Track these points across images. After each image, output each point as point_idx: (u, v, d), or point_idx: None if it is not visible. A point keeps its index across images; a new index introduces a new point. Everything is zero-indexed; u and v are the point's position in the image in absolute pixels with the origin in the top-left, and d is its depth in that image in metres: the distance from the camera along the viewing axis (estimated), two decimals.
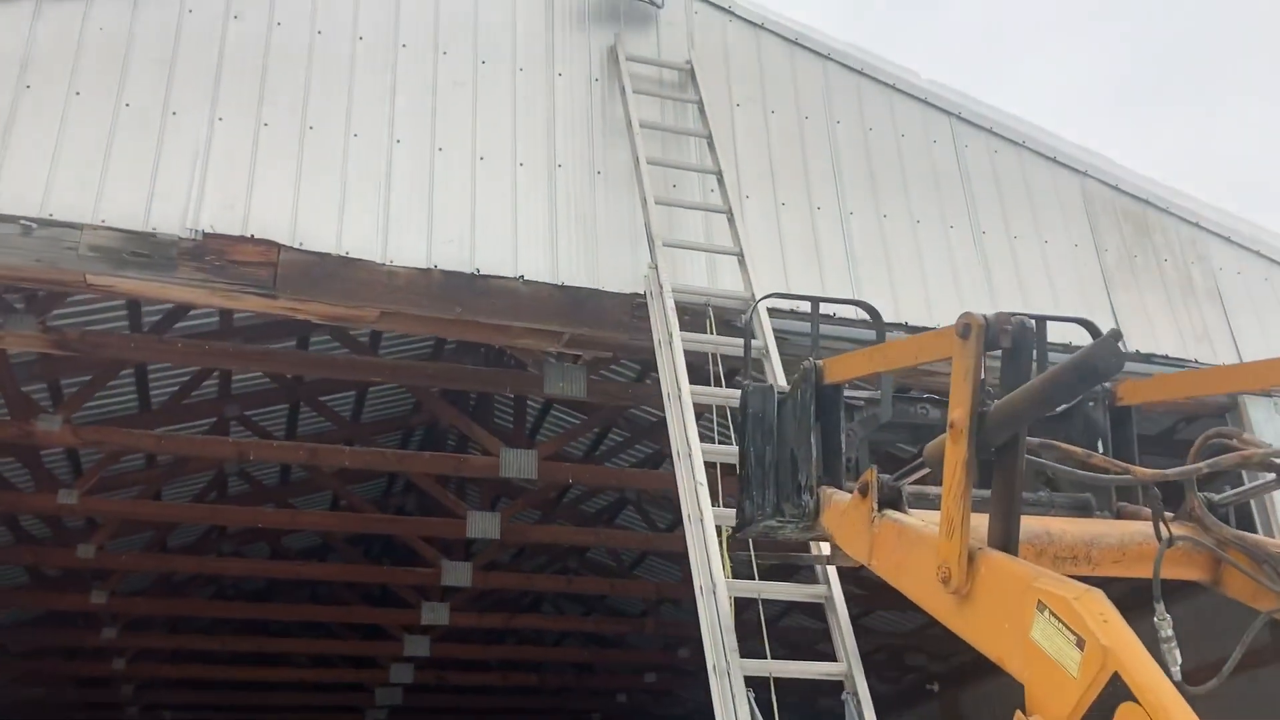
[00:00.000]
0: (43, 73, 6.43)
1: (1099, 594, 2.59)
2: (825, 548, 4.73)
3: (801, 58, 8.06)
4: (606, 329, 6.81)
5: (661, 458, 13.29)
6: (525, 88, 7.32)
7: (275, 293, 6.34)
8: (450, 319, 6.63)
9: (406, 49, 7.20)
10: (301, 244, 6.44)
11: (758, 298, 4.60)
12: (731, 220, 6.84)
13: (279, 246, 6.39)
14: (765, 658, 4.77)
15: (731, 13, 8.04)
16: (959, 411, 3.05)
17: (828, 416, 4.24)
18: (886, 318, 5.84)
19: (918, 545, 3.33)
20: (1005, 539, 3.02)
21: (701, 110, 7.40)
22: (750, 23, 8.04)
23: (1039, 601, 2.63)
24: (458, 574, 12.46)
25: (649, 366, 10.29)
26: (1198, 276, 8.19)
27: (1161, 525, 3.11)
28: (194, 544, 14.42)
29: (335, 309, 6.50)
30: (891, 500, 3.68)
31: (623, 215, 7.13)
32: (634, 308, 6.86)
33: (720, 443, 5.61)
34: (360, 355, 8.33)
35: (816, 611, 5.43)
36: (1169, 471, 3.09)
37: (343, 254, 6.48)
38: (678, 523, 14.52)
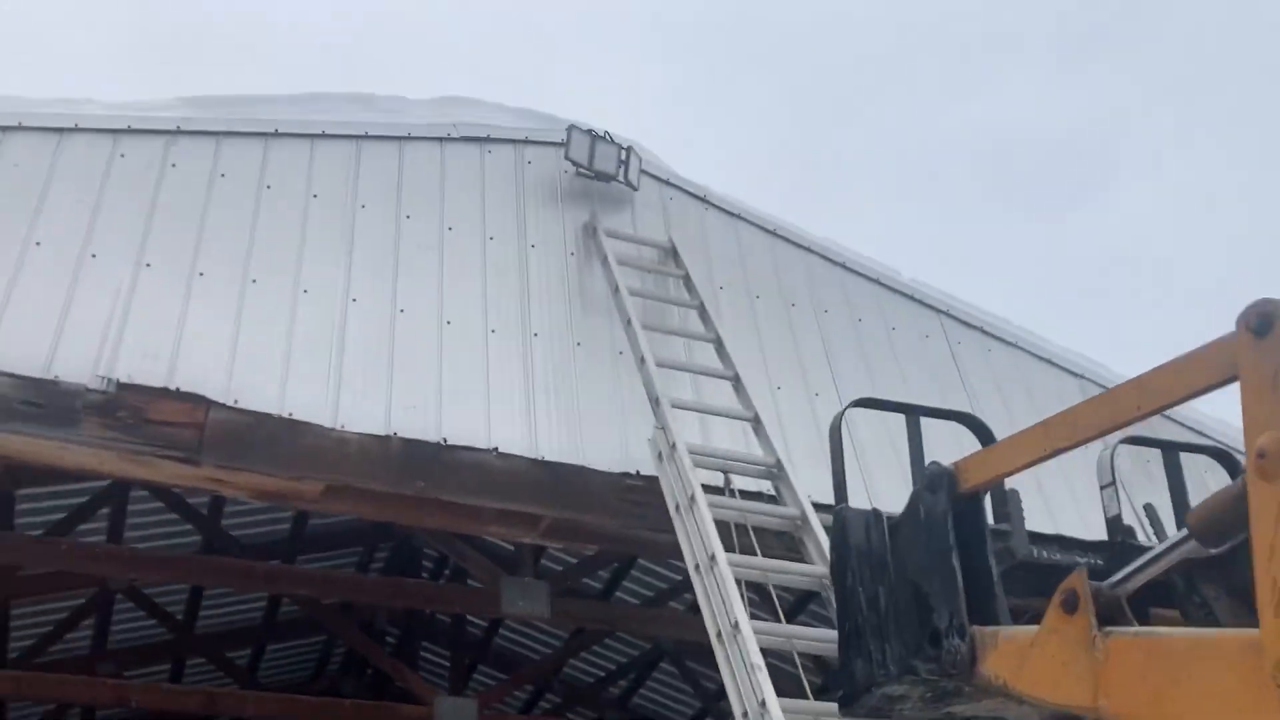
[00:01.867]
0: None
1: None
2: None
3: (782, 248, 7.61)
4: (594, 512, 5.78)
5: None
6: (496, 255, 6.61)
7: (199, 458, 5.19)
8: (410, 496, 5.53)
9: (365, 210, 6.48)
10: (236, 401, 5.36)
11: (842, 410, 3.73)
12: (739, 385, 6.04)
13: (208, 403, 5.30)
14: None
15: (708, 201, 7.62)
16: (1270, 438, 2.18)
17: (967, 535, 3.29)
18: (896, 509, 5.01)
19: (1196, 658, 2.35)
20: None
21: (689, 282, 6.77)
22: (727, 212, 7.62)
23: None
24: None
25: (617, 577, 9.16)
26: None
27: None
28: None
29: (270, 481, 5.36)
30: (1111, 613, 2.71)
31: (605, 390, 6.28)
32: (624, 489, 5.88)
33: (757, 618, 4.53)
34: (275, 564, 6.96)
35: None
36: None
37: (285, 415, 5.41)
38: None
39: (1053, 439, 2.96)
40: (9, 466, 7.18)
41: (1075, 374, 7.87)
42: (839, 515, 3.62)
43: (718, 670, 10.07)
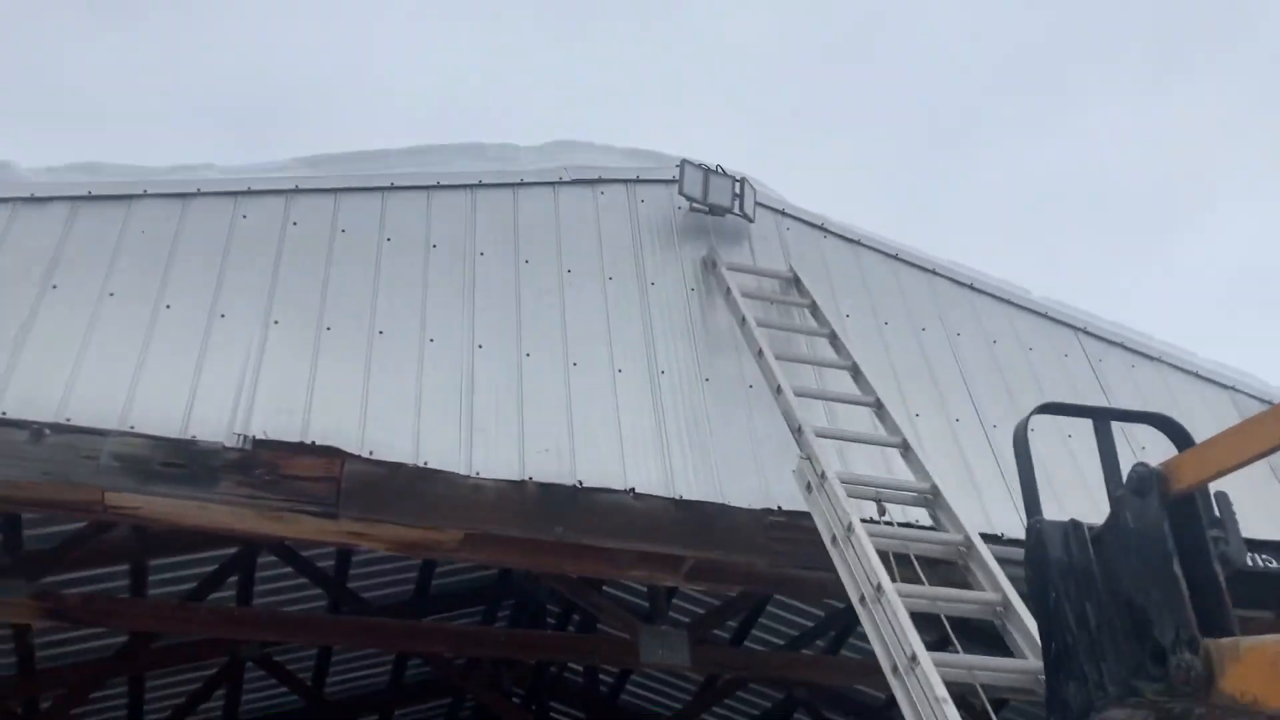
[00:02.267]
0: (73, 272, 5.54)
1: None
2: None
3: (906, 273, 7.36)
4: (741, 552, 5.54)
5: None
6: (616, 295, 6.49)
7: (337, 511, 5.10)
8: (548, 541, 5.36)
9: (484, 257, 6.43)
10: (371, 453, 5.28)
11: (1028, 415, 3.43)
12: (882, 410, 5.78)
13: (343, 456, 5.22)
14: None
15: (825, 229, 7.43)
16: None
17: (1185, 540, 3.00)
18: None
19: None
20: None
21: (815, 310, 6.56)
22: (846, 239, 7.41)
23: None
24: None
25: (753, 617, 8.85)
26: None
27: None
28: None
29: (409, 533, 5.24)
30: None
31: (738, 426, 6.07)
32: (767, 527, 5.65)
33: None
34: (406, 620, 6.81)
35: None
36: None
37: (420, 464, 5.31)
38: None
39: None
40: (146, 532, 7.24)
41: (1226, 386, 7.44)
42: (1034, 528, 3.34)
43: (854, 717, 9.69)
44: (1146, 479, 3.06)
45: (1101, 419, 3.65)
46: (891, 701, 9.40)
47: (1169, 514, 3.00)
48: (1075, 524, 3.28)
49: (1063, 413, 3.74)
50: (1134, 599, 3.06)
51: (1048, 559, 3.26)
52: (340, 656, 9.65)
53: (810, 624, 9.00)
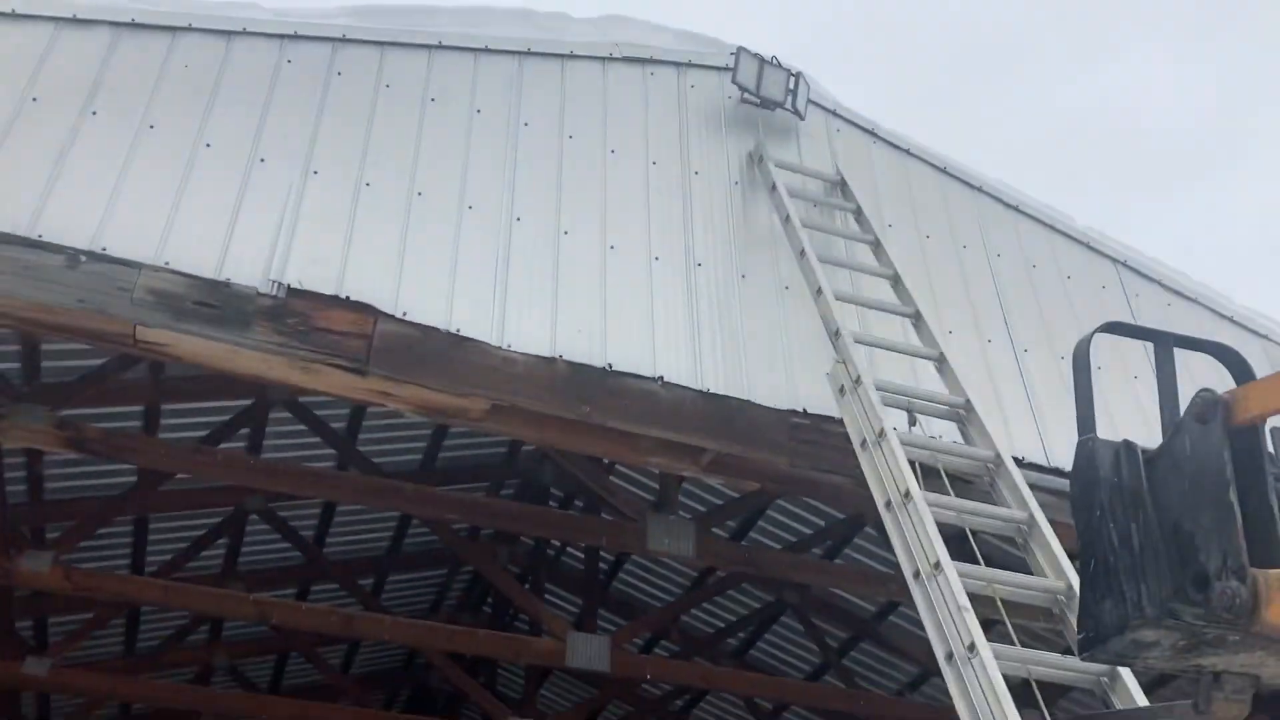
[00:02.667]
0: (113, 100, 5.40)
1: None
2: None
3: (953, 188, 7.23)
4: (762, 450, 5.54)
5: None
6: (659, 181, 6.36)
7: (367, 369, 5.06)
8: (573, 419, 5.34)
9: (529, 128, 6.28)
10: (405, 314, 5.22)
11: (1092, 331, 3.41)
12: (920, 322, 5.72)
13: (377, 314, 5.17)
14: None
15: (875, 134, 7.26)
16: None
17: (1244, 470, 2.96)
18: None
19: None
20: None
21: (860, 216, 6.45)
22: (896, 147, 7.25)
23: None
24: None
25: (753, 517, 8.96)
26: None
27: None
28: None
29: (437, 397, 5.21)
30: None
31: (771, 325, 6.02)
32: (791, 428, 5.64)
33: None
34: (418, 484, 6.81)
35: None
36: None
37: (453, 330, 5.27)
38: None
39: None
40: (162, 375, 7.23)
41: (1260, 334, 7.37)
42: (1085, 446, 3.30)
43: (842, 626, 9.84)
44: (1212, 405, 3.01)
45: (1164, 343, 3.59)
46: (882, 614, 9.57)
47: (1229, 442, 2.97)
48: (1128, 445, 3.24)
49: (1126, 334, 3.67)
50: (1182, 524, 3.03)
51: (1097, 477, 3.22)
52: (342, 518, 9.74)
53: (809, 531, 9.07)
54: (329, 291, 5.13)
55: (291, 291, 5.05)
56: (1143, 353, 6.82)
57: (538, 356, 5.34)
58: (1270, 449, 3.16)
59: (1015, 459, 5.50)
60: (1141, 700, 3.72)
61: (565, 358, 5.39)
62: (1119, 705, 3.76)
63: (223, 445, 7.71)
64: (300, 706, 8.60)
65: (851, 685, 9.21)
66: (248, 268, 5.04)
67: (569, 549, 10.71)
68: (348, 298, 5.14)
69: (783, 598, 9.66)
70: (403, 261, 5.40)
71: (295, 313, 5.05)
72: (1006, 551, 6.68)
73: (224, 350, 4.94)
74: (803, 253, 5.77)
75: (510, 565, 10.61)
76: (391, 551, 10.35)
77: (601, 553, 9.96)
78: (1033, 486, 4.91)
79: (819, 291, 5.51)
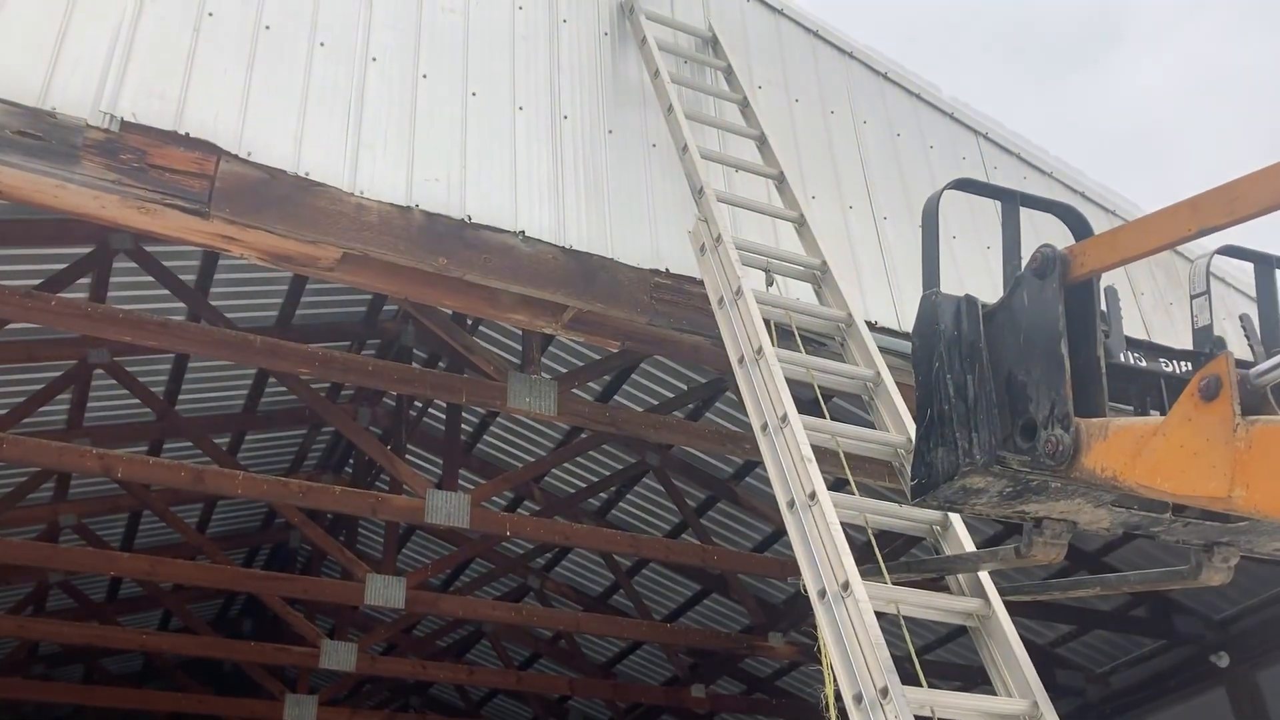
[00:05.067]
0: None
1: None
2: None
3: (824, 51, 7.16)
4: (623, 308, 5.50)
5: (525, 591, 12.18)
6: (525, 28, 6.12)
7: (208, 211, 4.81)
8: (430, 272, 5.21)
9: None
10: (250, 155, 4.96)
11: (942, 188, 3.43)
12: (783, 184, 5.72)
13: (220, 153, 4.89)
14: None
15: None
16: None
17: (1075, 325, 3.06)
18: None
19: None
20: None
21: (730, 75, 6.35)
22: (769, 6, 7.12)
23: None
24: (301, 707, 10.72)
25: (619, 380, 9.04)
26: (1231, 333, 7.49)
27: None
28: None
29: (285, 243, 4.99)
30: (1254, 403, 2.52)
31: (636, 183, 5.93)
32: (652, 287, 5.62)
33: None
34: (270, 338, 6.57)
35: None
36: None
37: (301, 174, 5.03)
38: (533, 660, 13.70)
39: (1202, 217, 2.69)
40: None
41: (1108, 209, 7.62)
42: (928, 300, 3.37)
43: (701, 486, 10.09)
44: (1051, 261, 3.09)
45: (1011, 201, 3.66)
46: (738, 474, 9.81)
47: (1064, 297, 3.05)
48: (969, 299, 3.32)
49: (975, 190, 3.73)
50: (1015, 375, 3.14)
51: (938, 330, 3.30)
52: (195, 375, 9.44)
53: (670, 394, 9.19)
54: (167, 127, 4.82)
55: (125, 125, 4.73)
56: (997, 223, 6.98)
57: (392, 205, 5.16)
58: (1102, 307, 3.27)
59: (868, 323, 5.61)
60: (970, 547, 3.90)
61: (421, 207, 5.22)
62: (949, 552, 3.93)
63: (60, 295, 7.32)
64: (151, 562, 8.42)
65: (708, 542, 9.48)
66: (75, 98, 4.68)
67: (431, 410, 10.64)
68: (187, 134, 4.84)
69: (644, 459, 9.84)
70: (248, 99, 5.09)
71: (130, 148, 4.73)
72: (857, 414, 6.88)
73: (51, 185, 4.61)
74: (670, 109, 5.67)
75: (372, 427, 10.50)
76: (248, 410, 10.11)
77: (465, 415, 9.93)
78: (884, 350, 5.02)
79: (685, 149, 5.44)
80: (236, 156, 4.91)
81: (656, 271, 5.64)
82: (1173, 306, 7.40)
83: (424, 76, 5.63)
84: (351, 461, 11.71)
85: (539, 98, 5.91)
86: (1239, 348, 3.18)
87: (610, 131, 6.01)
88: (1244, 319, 3.64)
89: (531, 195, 5.55)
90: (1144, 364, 3.32)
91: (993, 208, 7.08)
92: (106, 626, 11.01)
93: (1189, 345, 3.34)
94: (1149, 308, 7.30)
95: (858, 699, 3.28)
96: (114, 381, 8.52)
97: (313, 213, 4.99)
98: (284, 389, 9.35)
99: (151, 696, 12.33)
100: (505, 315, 5.52)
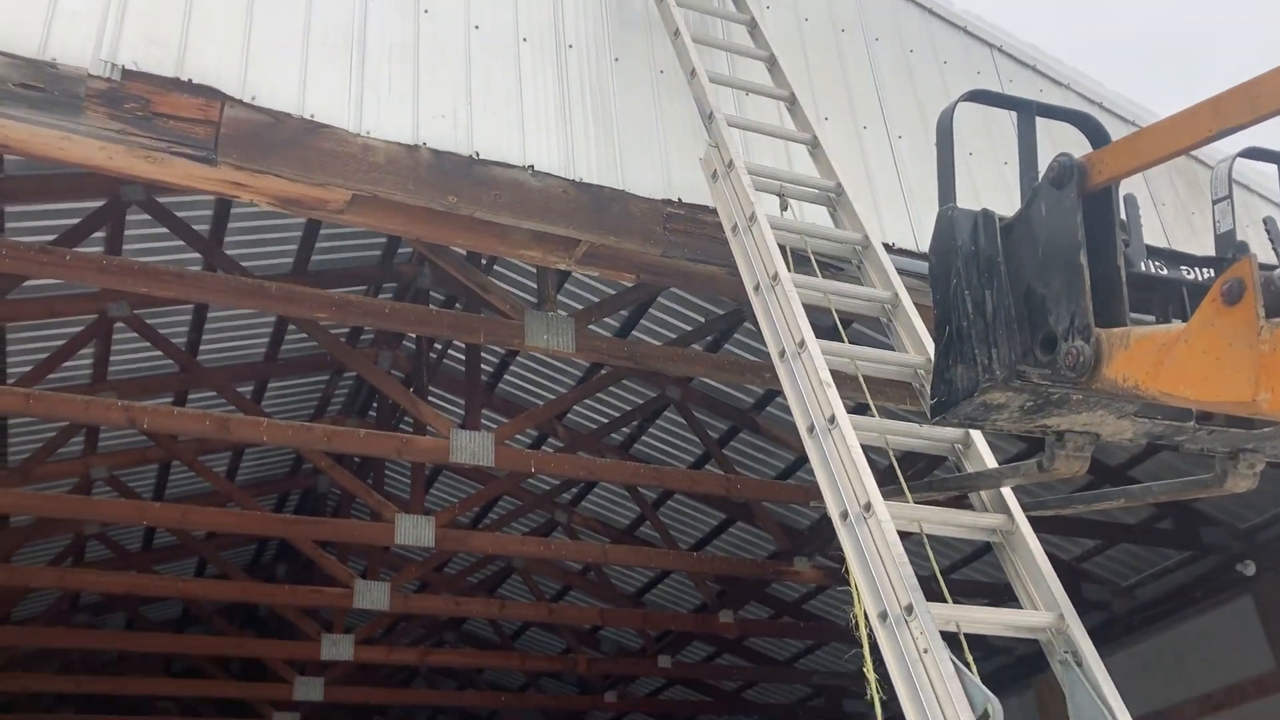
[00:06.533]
0: None
1: None
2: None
3: None
4: (635, 239, 5.46)
5: (553, 526, 12.28)
6: None
7: (215, 157, 4.77)
8: (440, 211, 5.17)
9: None
10: (254, 99, 4.91)
11: (956, 100, 3.35)
12: (795, 106, 5.62)
13: (223, 98, 4.84)
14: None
15: None
16: None
17: (1095, 234, 3.01)
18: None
19: None
20: None
21: None
22: None
23: None
24: (339, 646, 10.90)
25: (636, 315, 9.04)
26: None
27: None
28: (42, 615, 12.54)
29: (293, 187, 4.96)
30: (1278, 305, 2.47)
31: (645, 111, 5.85)
32: (665, 218, 5.57)
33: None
34: (286, 284, 6.57)
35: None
36: None
37: (306, 117, 4.98)
38: (564, 592, 13.89)
39: (1224, 117, 2.62)
40: (2, 176, 6.77)
41: (1128, 121, 7.47)
42: (945, 215, 3.33)
43: (722, 417, 10.10)
44: (1068, 169, 3.03)
45: (1027, 111, 3.58)
46: (759, 405, 9.81)
47: (1083, 207, 3.00)
48: (987, 213, 3.27)
49: (990, 102, 3.67)
50: (1034, 288, 3.10)
51: (955, 246, 3.26)
52: (215, 325, 9.47)
53: (688, 327, 9.17)
54: (168, 74, 4.77)
55: (127, 74, 4.68)
56: (1013, 140, 6.87)
57: (399, 144, 5.11)
58: (1122, 215, 3.21)
59: (885, 244, 5.55)
60: (992, 463, 3.89)
61: (429, 145, 5.17)
62: (971, 470, 3.93)
63: (75, 250, 7.34)
64: (183, 511, 8.53)
65: (731, 472, 9.52)
66: (75, 48, 4.63)
67: (451, 352, 10.66)
68: (189, 80, 4.79)
69: (665, 393, 9.85)
70: (249, 42, 5.03)
71: (133, 97, 4.69)
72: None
73: (57, 138, 4.58)
74: (677, 33, 5.57)
75: (393, 371, 10.54)
76: (269, 358, 10.16)
77: (485, 355, 9.95)
78: (901, 272, 4.96)
79: (693, 73, 5.35)
80: (240, 101, 4.87)
81: (669, 201, 5.58)
82: (1194, 216, 7.29)
83: (425, 12, 5.55)
84: (375, 406, 11.78)
85: (543, 27, 5.82)
86: (1263, 253, 3.12)
87: (616, 59, 5.92)
88: (1268, 222, 3.58)
89: (539, 129, 5.49)
90: (1165, 272, 3.26)
91: (1009, 124, 6.97)
92: (144, 575, 11.27)
93: (1211, 253, 3.29)
94: (1170, 218, 7.19)
95: (883, 616, 3.29)
96: (135, 335, 8.56)
97: (320, 155, 4.96)
98: (304, 336, 9.38)
99: (192, 641, 12.63)
100: (518, 252, 5.49)
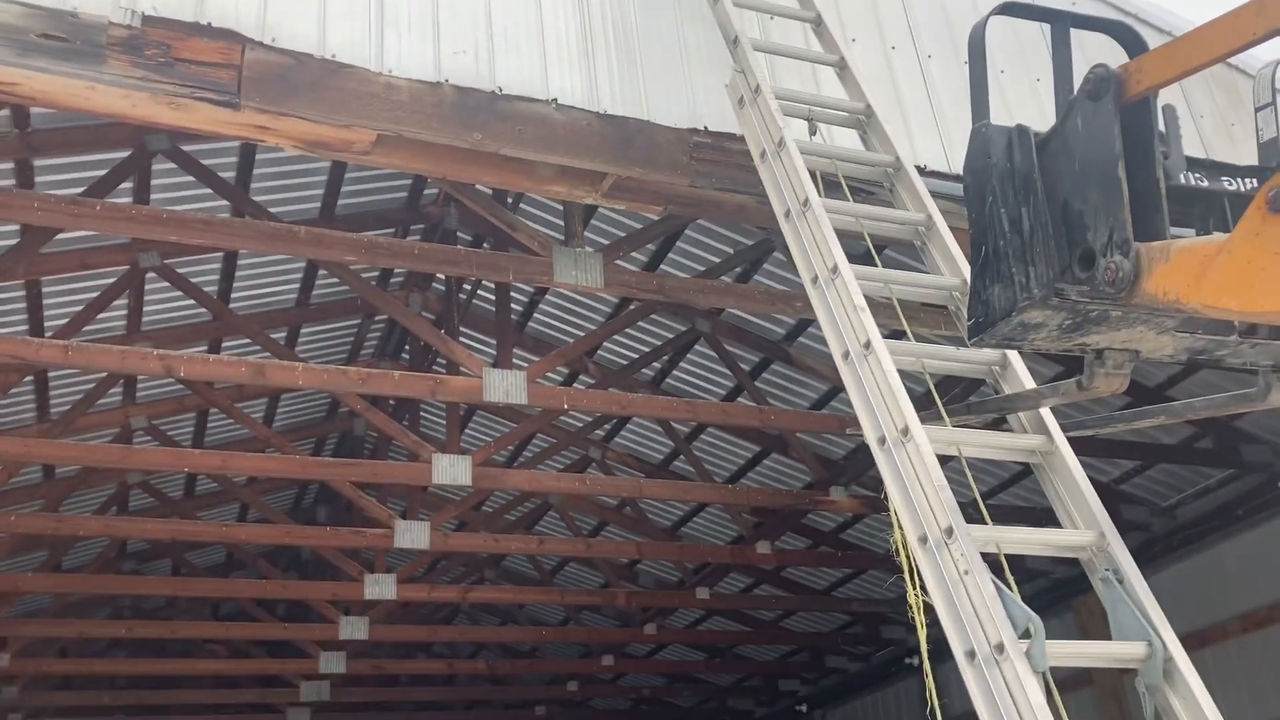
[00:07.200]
0: None
1: None
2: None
3: None
4: (662, 171, 5.40)
5: (588, 462, 12.32)
6: None
7: (239, 101, 4.75)
8: (465, 148, 5.13)
9: None
10: (274, 41, 4.87)
11: (988, 14, 3.26)
12: (821, 28, 5.52)
13: (244, 41, 4.81)
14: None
15: None
16: None
17: (1132, 145, 2.94)
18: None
19: None
20: None
21: None
22: None
23: None
24: (381, 586, 11.08)
25: (665, 248, 9.01)
26: None
27: None
28: (91, 563, 12.81)
29: (318, 129, 4.93)
30: None
31: (668, 40, 5.76)
32: (692, 147, 5.50)
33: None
34: (315, 228, 6.57)
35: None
36: None
37: (328, 57, 4.94)
38: (601, 528, 13.99)
39: (1271, 16, 2.54)
40: (29, 127, 6.78)
41: (1164, 30, 7.26)
42: (979, 132, 3.26)
43: (754, 349, 10.08)
44: (1104, 80, 2.95)
45: (1061, 23, 3.50)
46: (790, 335, 9.77)
47: (1120, 119, 2.93)
48: (1021, 129, 3.20)
49: (1022, 14, 3.57)
50: (1071, 203, 3.04)
51: (989, 164, 3.20)
52: (245, 272, 9.52)
53: (717, 259, 9.12)
54: (188, 19, 4.73)
55: (147, 20, 4.65)
56: (1046, 56, 6.71)
57: (422, 82, 5.06)
58: (1161, 127, 3.14)
59: (917, 167, 5.47)
60: (1030, 383, 3.86)
61: (451, 82, 5.12)
62: (1009, 392, 3.90)
63: (105, 200, 7.36)
64: (223, 457, 8.65)
65: (763, 404, 9.52)
66: None
67: (480, 292, 10.67)
68: (209, 24, 4.76)
69: (695, 326, 9.83)
70: None
71: (154, 43, 4.66)
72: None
73: (80, 87, 4.57)
74: None
75: (424, 312, 10.57)
76: (301, 304, 10.21)
77: (514, 294, 9.95)
78: (935, 195, 4.90)
79: None
80: (261, 44, 4.83)
81: (695, 130, 5.51)
82: (1234, 127, 7.12)
83: None
84: (407, 348, 11.84)
85: None
86: None
87: None
88: None
89: (561, 61, 5.42)
90: (1206, 184, 3.20)
91: (1041, 39, 6.81)
92: (187, 521, 11.49)
93: (1254, 163, 3.21)
94: (1210, 131, 7.03)
95: (923, 540, 3.29)
96: (167, 284, 8.62)
97: (343, 95, 4.92)
98: (335, 280, 9.41)
99: (237, 585, 12.88)
100: (544, 187, 5.45)
